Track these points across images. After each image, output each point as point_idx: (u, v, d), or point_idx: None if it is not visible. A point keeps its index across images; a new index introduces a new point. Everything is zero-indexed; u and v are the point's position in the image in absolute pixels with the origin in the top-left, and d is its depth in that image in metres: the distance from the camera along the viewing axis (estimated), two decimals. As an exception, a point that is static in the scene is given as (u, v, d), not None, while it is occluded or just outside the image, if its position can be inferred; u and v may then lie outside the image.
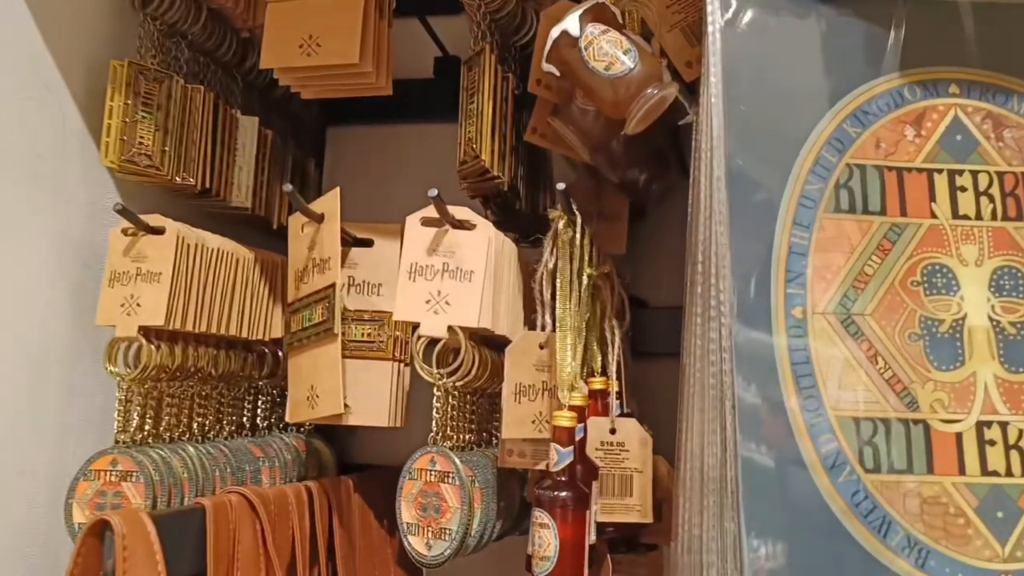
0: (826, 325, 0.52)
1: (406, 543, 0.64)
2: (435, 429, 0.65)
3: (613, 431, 0.71)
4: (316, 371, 0.69)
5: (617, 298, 0.78)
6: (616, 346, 0.73)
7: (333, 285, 0.68)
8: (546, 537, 0.53)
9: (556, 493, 0.53)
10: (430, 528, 0.63)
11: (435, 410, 0.65)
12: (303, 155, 1.01)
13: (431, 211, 0.66)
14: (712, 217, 0.55)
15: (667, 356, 0.94)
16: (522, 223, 0.81)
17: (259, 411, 0.87)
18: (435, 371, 0.65)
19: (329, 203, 0.71)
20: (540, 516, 0.53)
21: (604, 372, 0.75)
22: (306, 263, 0.72)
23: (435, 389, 0.65)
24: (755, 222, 0.53)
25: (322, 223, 0.71)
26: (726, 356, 0.51)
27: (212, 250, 0.74)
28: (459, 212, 0.67)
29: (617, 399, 0.73)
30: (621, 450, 0.71)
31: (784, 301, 0.52)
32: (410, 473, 0.65)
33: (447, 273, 0.65)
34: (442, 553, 0.62)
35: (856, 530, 0.50)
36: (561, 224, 0.65)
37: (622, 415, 0.73)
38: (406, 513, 0.64)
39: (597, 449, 0.70)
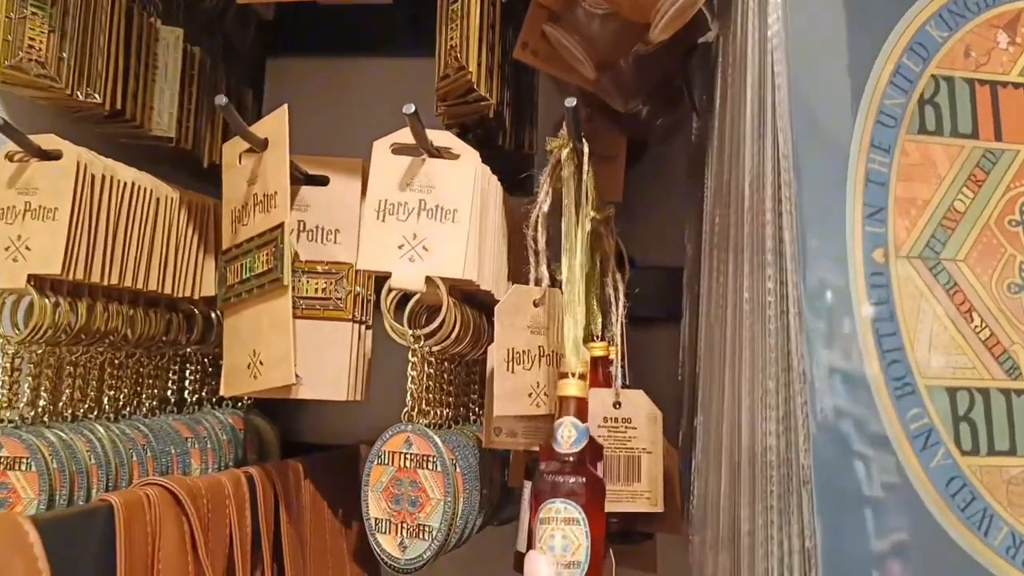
0: (912, 272, 0.42)
1: (374, 543, 0.52)
2: (409, 403, 0.53)
3: (618, 405, 0.60)
4: (259, 332, 0.56)
5: (616, 251, 0.67)
6: (621, 304, 0.62)
7: (281, 225, 0.55)
8: (576, 537, 0.41)
9: (581, 480, 0.42)
10: (405, 525, 0.51)
11: (410, 380, 0.53)
12: (238, 84, 0.86)
13: (404, 135, 0.53)
14: (764, 139, 0.43)
15: (661, 321, 0.84)
16: (505, 163, 0.69)
17: (187, 383, 0.73)
18: (410, 332, 0.53)
19: (274, 126, 0.57)
20: (566, 510, 0.41)
21: (605, 336, 0.64)
22: (246, 200, 0.59)
23: (410, 354, 0.53)
24: (824, 143, 0.42)
25: (265, 150, 0.58)
26: (793, 312, 0.40)
27: (125, 184, 0.59)
28: (439, 137, 0.54)
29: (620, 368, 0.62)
30: (627, 427, 0.60)
31: (862, 241, 0.42)
32: (379, 457, 0.52)
33: (424, 212, 0.53)
34: (420, 555, 0.50)
35: (952, 526, 0.40)
36: (564, 154, 0.53)
37: (626, 387, 0.62)
38: (374, 507, 0.52)
39: (599, 426, 0.59)
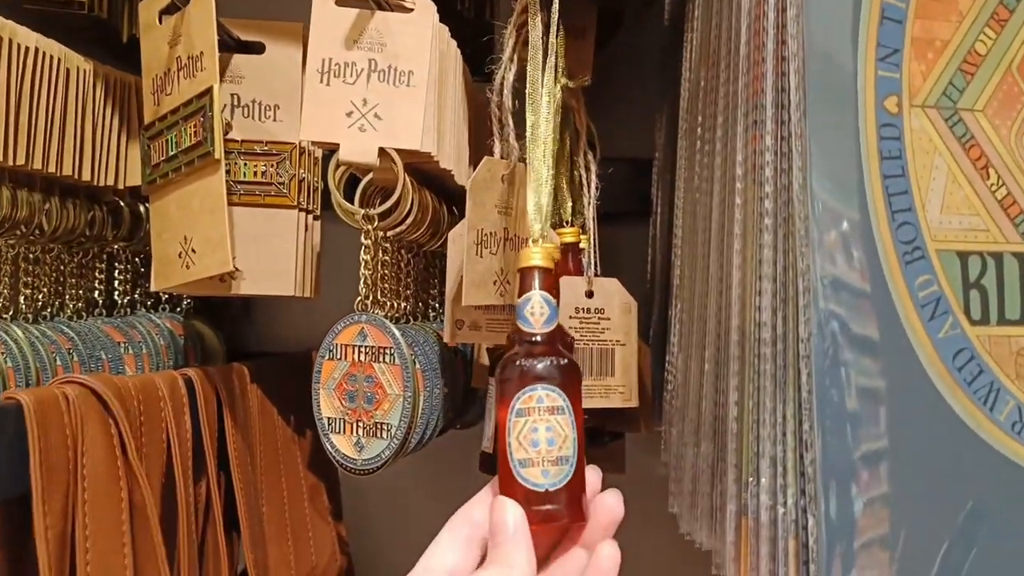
0: (927, 123, 0.37)
1: (327, 444, 0.47)
2: (363, 292, 0.48)
3: (590, 294, 0.56)
4: (190, 215, 0.50)
5: (586, 130, 0.61)
6: (592, 186, 0.56)
7: (209, 91, 0.48)
8: (562, 428, 0.36)
9: (562, 361, 0.37)
10: (361, 423, 0.46)
11: (363, 265, 0.47)
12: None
13: (349, -17, 0.46)
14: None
15: (629, 217, 0.80)
16: (464, 34, 0.62)
17: (116, 284, 0.66)
18: (362, 211, 0.47)
19: (197, -22, 0.49)
20: (548, 396, 0.36)
21: (574, 223, 0.59)
22: (168, 66, 0.51)
23: (363, 237, 0.47)
24: (835, -25, 0.37)
25: (188, 5, 0.50)
26: (796, 167, 0.36)
27: (27, 50, 0.51)
28: (389, -12, 0.47)
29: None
30: (600, 318, 0.56)
31: (875, 87, 0.37)
32: (330, 351, 0.47)
33: (376, 74, 0.46)
34: (379, 455, 0.46)
35: (957, 401, 0.36)
36: (530, 5, 0.47)
37: (598, 275, 0.58)
38: (326, 405, 0.47)
39: (571, 317, 0.55)
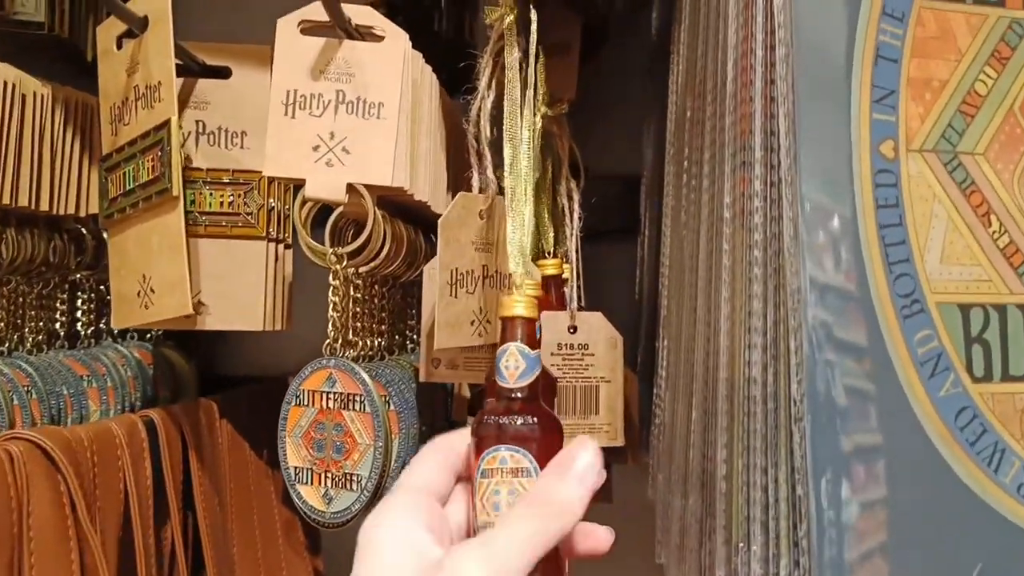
0: (925, 168, 0.35)
1: (294, 495, 0.45)
2: (331, 334, 0.45)
3: (573, 329, 0.53)
4: (149, 253, 0.47)
5: (569, 155, 0.59)
6: (576, 216, 0.54)
7: (167, 124, 0.45)
8: (526, 491, 0.34)
9: (532, 420, 0.34)
10: (329, 474, 0.44)
11: (331, 307, 0.45)
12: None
13: (315, 10, 0.44)
14: (755, 5, 0.35)
15: (615, 236, 0.77)
16: (441, 55, 0.59)
17: (79, 314, 0.63)
18: (330, 251, 0.44)
19: (156, 1, 0.47)
20: (512, 458, 0.34)
21: (557, 253, 0.56)
22: (126, 94, 0.48)
23: (331, 277, 0.45)
24: (828, 9, 0.34)
25: (146, 31, 0.47)
26: (787, 217, 0.33)
27: (-24, 76, 0.49)
28: (358, 14, 0.44)
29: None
30: (584, 354, 0.54)
31: (869, 132, 0.34)
32: (297, 397, 0.45)
33: (344, 106, 0.44)
34: (348, 508, 0.43)
35: (960, 462, 0.34)
36: (507, 24, 0.44)
37: (582, 309, 0.55)
38: (293, 454, 0.44)
39: (553, 354, 0.53)
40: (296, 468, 0.45)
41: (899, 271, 0.34)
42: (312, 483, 0.44)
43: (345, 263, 0.44)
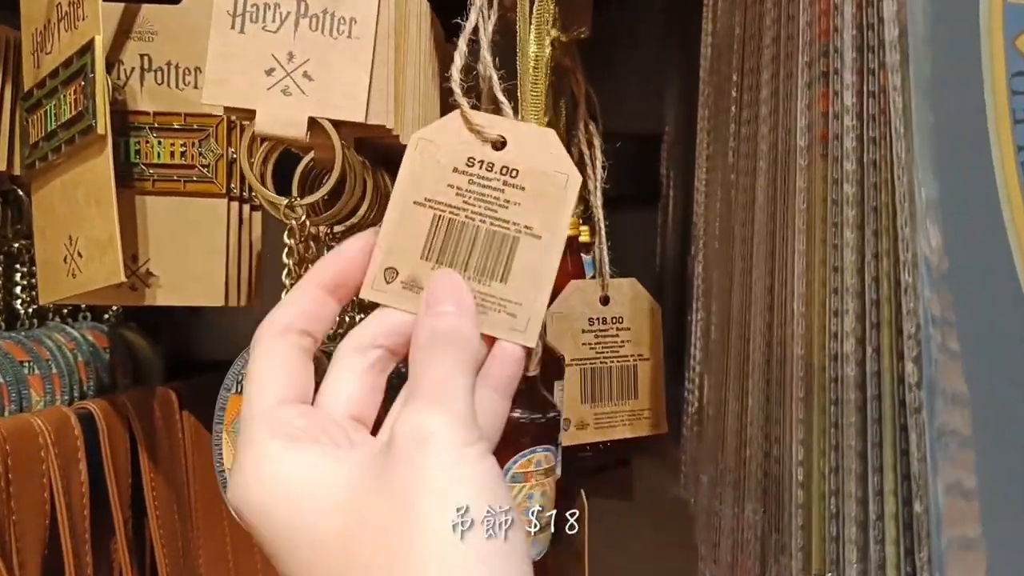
0: (1078, 71, 0.26)
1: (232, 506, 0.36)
2: (296, 306, 0.36)
3: (605, 300, 0.45)
4: (75, 209, 0.38)
5: (585, 95, 0.50)
6: (599, 164, 0.45)
7: (91, 44, 0.36)
8: (551, 491, 0.27)
9: (557, 412, 0.27)
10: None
11: (284, 272, 0.36)
12: None
13: (270, -102, 0.35)
14: None
15: (631, 201, 0.69)
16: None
17: (18, 290, 0.55)
18: (284, 201, 0.35)
19: None
20: (547, 458, 0.27)
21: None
22: (48, 15, 0.40)
23: (286, 235, 0.36)
24: None
25: (66, -65, 0.38)
26: (897, 127, 0.24)
27: None
28: (324, -94, 0.35)
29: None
30: (619, 328, 0.45)
31: (1003, 20, 0.25)
32: (239, 382, 0.36)
33: (307, 20, 0.35)
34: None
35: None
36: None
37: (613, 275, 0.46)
38: (230, 454, 0.36)
39: (584, 331, 0.44)
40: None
41: (1045, 205, 0.25)
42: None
43: (305, 216, 0.35)
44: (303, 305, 0.27)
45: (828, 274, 0.28)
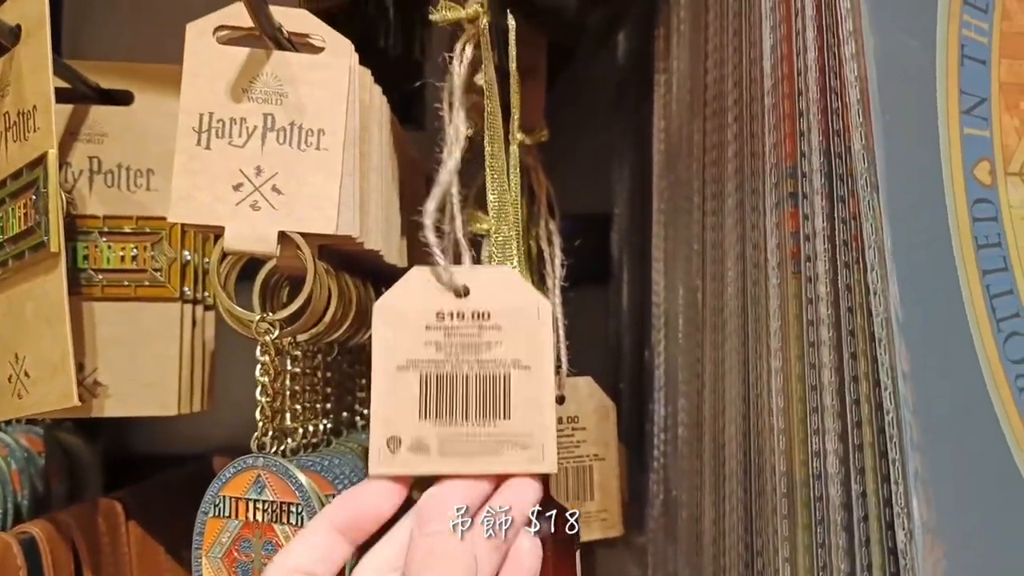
0: (1028, 197, 0.28)
1: (215, 638, 0.34)
2: (262, 423, 0.35)
3: (561, 399, 0.44)
4: (22, 325, 0.36)
5: (545, 190, 0.50)
6: (558, 262, 0.45)
7: (43, 158, 0.35)
8: None
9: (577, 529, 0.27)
10: (260, 609, 0.33)
11: (260, 388, 0.35)
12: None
13: (236, 13, 0.35)
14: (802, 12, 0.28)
15: (583, 283, 0.69)
16: (387, 73, 0.50)
17: (-53, 397, 0.51)
18: (257, 317, 0.34)
19: (31, 6, 0.37)
20: None
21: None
22: (-8, 124, 0.38)
23: (259, 351, 0.35)
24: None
25: (18, 44, 0.37)
26: (872, 261, 0.25)
27: None
28: (292, 19, 0.35)
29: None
30: (574, 428, 0.44)
31: (961, 151, 0.27)
32: (216, 506, 0.34)
33: (274, 133, 0.34)
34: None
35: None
36: (483, 27, 0.36)
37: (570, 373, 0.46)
38: (211, 584, 0.34)
39: (540, 431, 0.43)
40: (217, 601, 0.34)
41: (1009, 329, 0.27)
42: (238, 621, 0.34)
43: (278, 332, 0.34)
44: (315, 547, 0.29)
45: (806, 392, 0.28)
